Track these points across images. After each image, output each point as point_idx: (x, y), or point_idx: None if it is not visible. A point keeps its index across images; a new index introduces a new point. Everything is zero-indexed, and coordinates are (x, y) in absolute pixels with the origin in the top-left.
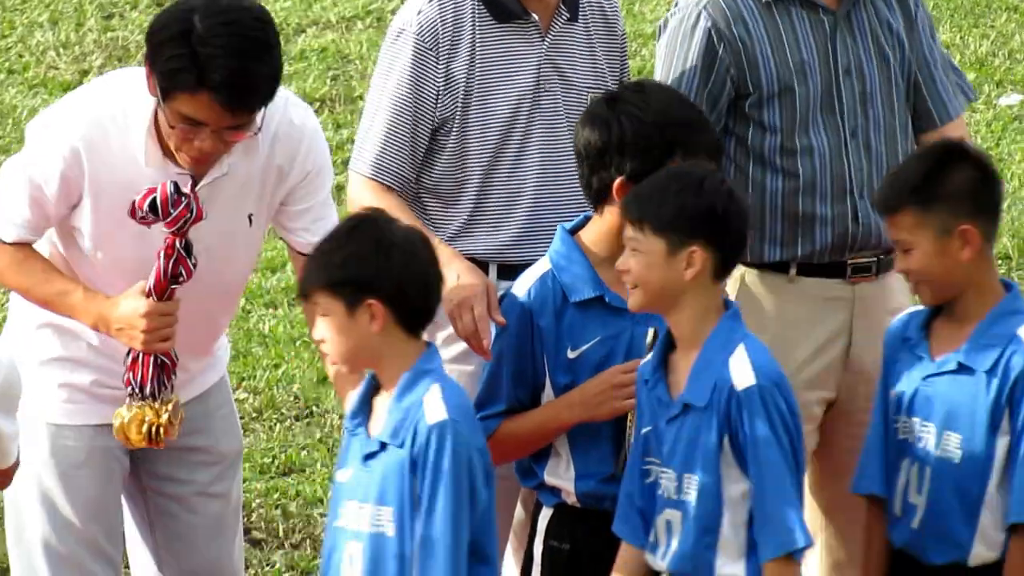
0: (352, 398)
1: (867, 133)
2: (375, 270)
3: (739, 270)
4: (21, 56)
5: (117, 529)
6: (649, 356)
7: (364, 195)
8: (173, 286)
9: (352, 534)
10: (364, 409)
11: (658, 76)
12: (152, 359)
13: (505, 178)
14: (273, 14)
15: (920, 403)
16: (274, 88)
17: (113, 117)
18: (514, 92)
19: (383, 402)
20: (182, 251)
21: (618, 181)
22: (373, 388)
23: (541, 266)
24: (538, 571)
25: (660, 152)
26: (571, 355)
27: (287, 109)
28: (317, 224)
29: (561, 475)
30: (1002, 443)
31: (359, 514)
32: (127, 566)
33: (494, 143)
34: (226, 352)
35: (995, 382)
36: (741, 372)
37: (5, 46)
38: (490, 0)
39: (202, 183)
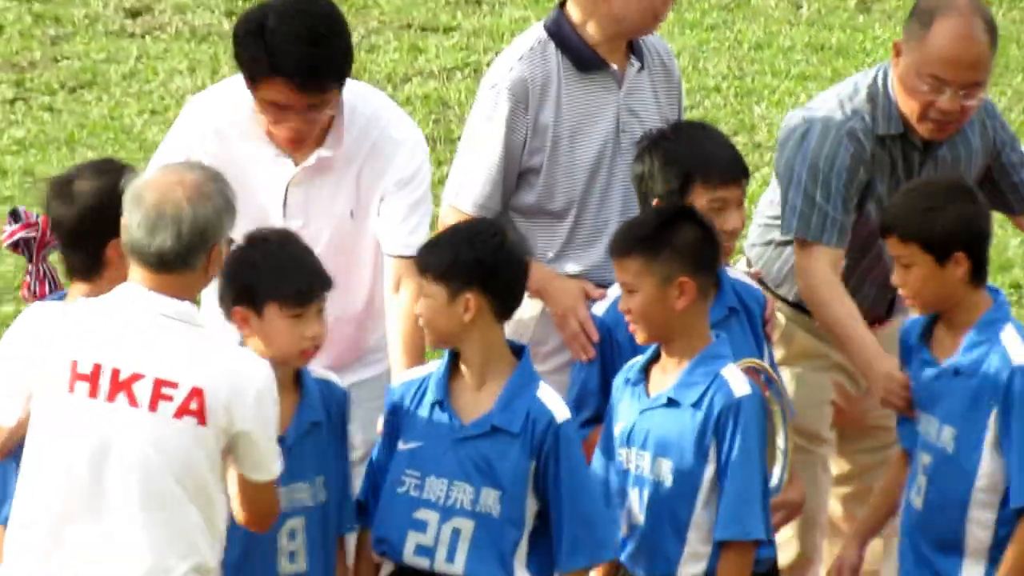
0: (412, 374)
1: None
2: (480, 266)
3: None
4: (162, 99)
5: None
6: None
7: None
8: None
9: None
10: (444, 390)
11: (805, 171)
12: None
13: (594, 212)
14: (382, 65)
15: (637, 434)
16: (343, 70)
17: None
18: (598, 136)
19: (465, 385)
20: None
21: (654, 202)
22: (452, 368)
23: (617, 287)
24: None
25: (678, 181)
26: None
27: (388, 126)
28: (407, 226)
29: None
30: (709, 469)
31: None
32: None
33: (583, 182)
34: (386, 356)
35: (699, 415)
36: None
37: (149, 90)
38: (575, 55)
39: (296, 169)
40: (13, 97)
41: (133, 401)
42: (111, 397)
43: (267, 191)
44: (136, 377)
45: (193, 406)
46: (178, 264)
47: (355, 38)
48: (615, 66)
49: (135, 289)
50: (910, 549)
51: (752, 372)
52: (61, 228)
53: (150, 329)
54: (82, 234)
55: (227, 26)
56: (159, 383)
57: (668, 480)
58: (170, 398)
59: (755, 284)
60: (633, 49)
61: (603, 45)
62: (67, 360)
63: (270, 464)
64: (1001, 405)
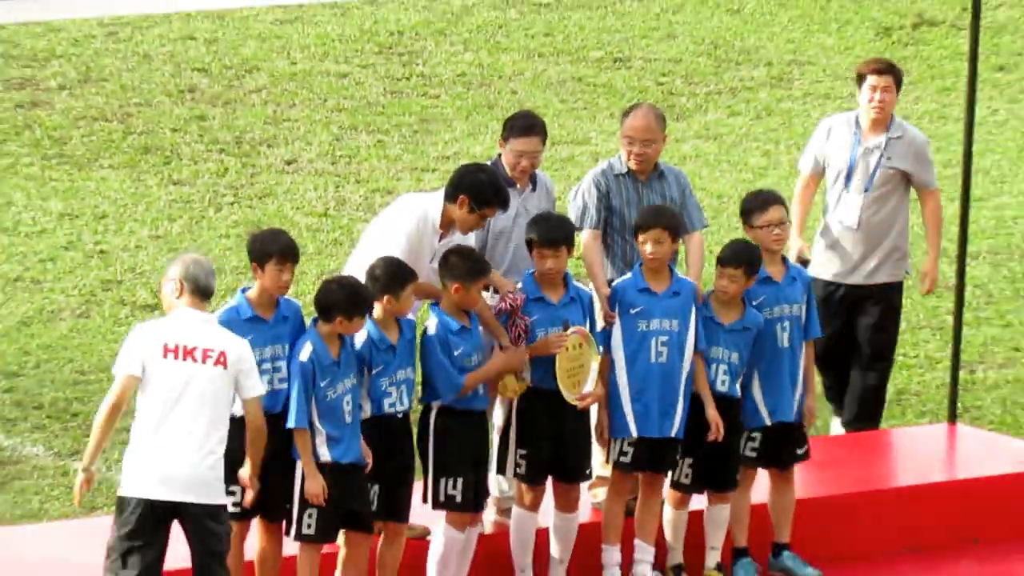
0: None
1: None
2: None
3: None
4: None
5: None
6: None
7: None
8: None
9: None
10: None
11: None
12: None
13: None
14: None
15: None
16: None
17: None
18: (508, 216)
19: None
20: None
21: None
22: None
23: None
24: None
25: (528, 241)
26: None
27: (544, 176)
28: None
29: None
30: None
31: None
32: None
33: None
34: None
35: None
36: None
37: None
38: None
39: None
40: None
41: (194, 359)
42: (184, 358)
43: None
44: (195, 348)
45: (222, 359)
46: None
47: None
48: (519, 185)
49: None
50: None
51: (580, 331)
52: None
53: (199, 324)
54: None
55: None
56: (205, 350)
57: None
58: (210, 356)
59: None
60: (531, 178)
61: (515, 176)
62: (160, 342)
63: (257, 386)
64: None
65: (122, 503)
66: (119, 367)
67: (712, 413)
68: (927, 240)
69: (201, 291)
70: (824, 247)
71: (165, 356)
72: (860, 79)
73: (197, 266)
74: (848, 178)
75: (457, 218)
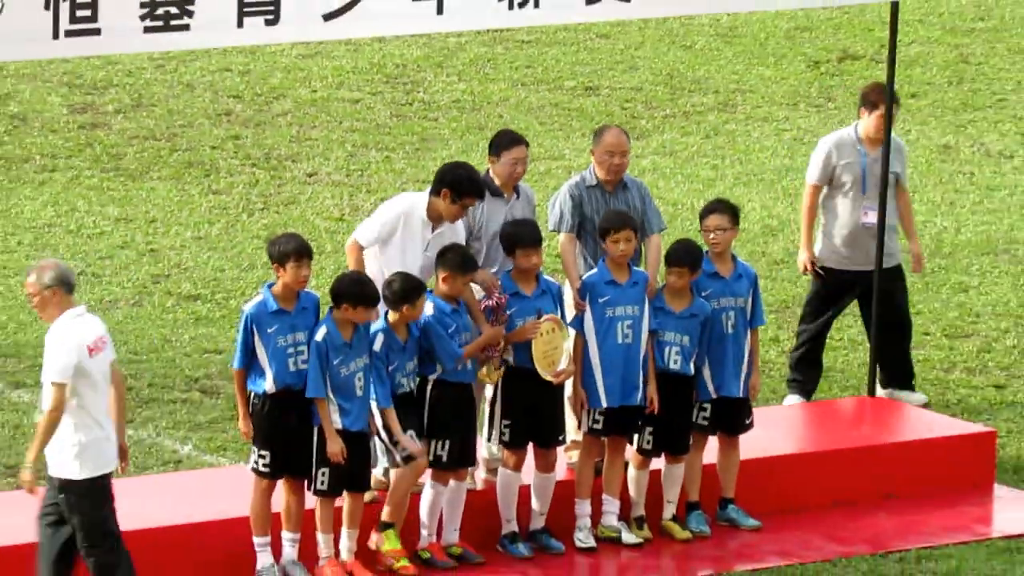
0: None
1: None
2: None
3: None
4: None
5: None
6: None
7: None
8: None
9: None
10: None
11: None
12: None
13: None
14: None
15: None
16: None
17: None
18: (497, 222)
19: None
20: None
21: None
22: None
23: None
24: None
25: (508, 244)
26: None
27: (526, 187)
28: None
29: None
30: None
31: None
32: None
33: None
34: None
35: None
36: None
37: None
38: (491, 189)
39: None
40: None
41: (102, 348)
42: (100, 350)
43: None
44: (99, 337)
45: (110, 341)
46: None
47: None
48: (505, 195)
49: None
50: None
51: (551, 318)
52: None
53: (89, 317)
54: None
55: None
56: (103, 337)
57: None
58: (107, 342)
59: (556, 281)
60: (516, 189)
61: (503, 187)
62: (84, 346)
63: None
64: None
65: (92, 484)
66: (57, 376)
67: (651, 390)
68: (906, 228)
69: (71, 288)
70: (844, 244)
71: (91, 356)
72: (868, 103)
73: (60, 269)
74: (864, 185)
75: (442, 209)
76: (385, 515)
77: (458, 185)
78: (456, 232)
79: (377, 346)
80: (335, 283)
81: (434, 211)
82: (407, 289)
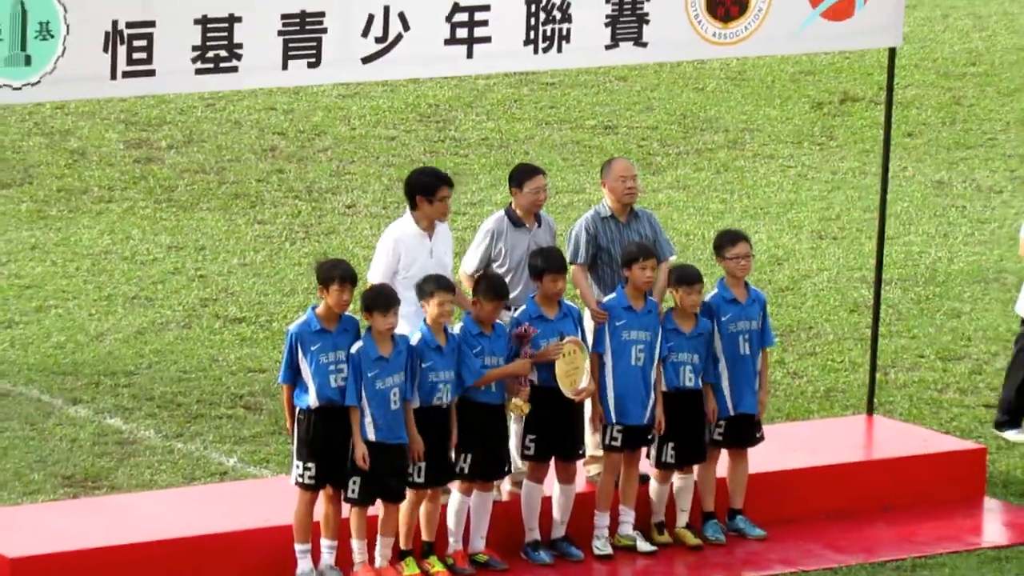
0: None
1: None
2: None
3: None
4: None
5: None
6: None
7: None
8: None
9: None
10: None
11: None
12: None
13: (522, 275)
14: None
15: None
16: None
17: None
18: (521, 250)
19: None
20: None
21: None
22: None
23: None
24: None
25: (536, 271)
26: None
27: (547, 216)
28: None
29: None
30: None
31: None
32: None
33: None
34: None
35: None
36: None
37: None
38: (512, 219)
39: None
40: None
41: None
42: None
43: None
44: None
45: None
46: None
47: None
48: (528, 224)
49: None
50: None
51: (573, 340)
52: None
53: None
54: None
55: None
56: None
57: None
58: None
59: (575, 306)
60: (537, 218)
61: (525, 217)
62: None
63: None
64: None
65: None
66: None
67: (659, 412)
68: None
69: None
70: None
71: None
72: None
73: None
74: None
75: (427, 215)
76: (401, 544)
77: (425, 186)
78: (446, 230)
79: (414, 341)
80: (361, 294)
81: (422, 221)
82: (418, 287)
